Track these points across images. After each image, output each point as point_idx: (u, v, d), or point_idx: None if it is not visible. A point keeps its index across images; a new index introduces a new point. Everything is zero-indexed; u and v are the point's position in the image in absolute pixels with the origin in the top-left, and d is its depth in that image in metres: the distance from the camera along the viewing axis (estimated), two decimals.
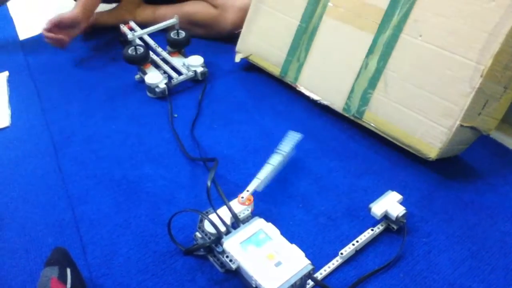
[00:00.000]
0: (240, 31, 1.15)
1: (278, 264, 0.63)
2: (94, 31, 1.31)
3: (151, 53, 1.15)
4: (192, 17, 1.27)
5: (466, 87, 0.78)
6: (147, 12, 1.31)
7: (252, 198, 0.74)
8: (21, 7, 1.52)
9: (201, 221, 0.72)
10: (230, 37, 1.17)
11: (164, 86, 1.07)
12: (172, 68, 1.14)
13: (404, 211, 0.75)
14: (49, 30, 1.16)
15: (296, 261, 0.64)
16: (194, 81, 1.14)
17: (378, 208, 0.75)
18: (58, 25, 1.16)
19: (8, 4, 1.53)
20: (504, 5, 0.74)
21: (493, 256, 0.74)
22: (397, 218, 0.74)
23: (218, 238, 0.68)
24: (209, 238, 0.70)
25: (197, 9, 1.27)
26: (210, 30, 1.27)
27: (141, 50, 1.09)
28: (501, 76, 0.78)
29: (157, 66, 1.15)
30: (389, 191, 0.78)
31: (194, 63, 1.13)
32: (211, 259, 0.73)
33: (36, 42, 1.28)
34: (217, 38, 1.28)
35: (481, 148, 0.93)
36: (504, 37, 0.74)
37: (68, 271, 0.64)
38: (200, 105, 1.06)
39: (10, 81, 1.17)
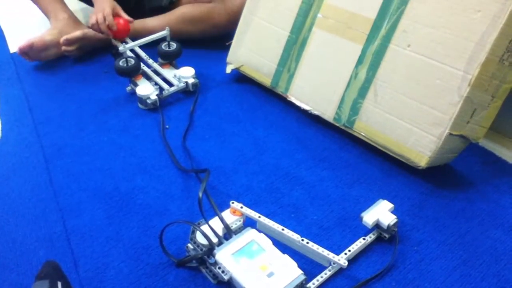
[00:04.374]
0: (231, 43, 1.16)
1: (270, 274, 0.63)
2: (84, 54, 1.30)
3: (142, 65, 1.15)
4: (187, 16, 1.27)
5: (455, 96, 0.79)
6: (136, 26, 1.30)
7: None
8: (12, 20, 1.52)
9: (193, 232, 0.72)
10: (227, 46, 1.18)
11: (156, 97, 1.07)
12: (163, 79, 1.15)
13: (396, 220, 0.75)
14: (22, 52, 1.21)
15: (288, 271, 0.64)
16: (186, 93, 1.15)
17: (369, 217, 0.75)
18: (31, 47, 1.20)
19: None
20: (490, 16, 0.75)
21: (484, 263, 0.74)
22: (388, 227, 0.75)
23: (210, 250, 0.68)
24: (201, 250, 0.70)
25: (190, 8, 1.28)
26: (208, 24, 1.27)
27: (132, 61, 1.10)
28: (488, 85, 0.79)
29: (148, 78, 1.15)
30: (380, 200, 0.79)
31: (186, 74, 1.13)
32: (203, 270, 0.73)
33: None
34: (213, 36, 1.29)
35: (471, 156, 0.94)
36: (491, 47, 0.75)
37: (59, 284, 0.64)
38: (191, 116, 1.06)
39: (0, 93, 1.16)
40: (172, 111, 1.09)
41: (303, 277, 0.64)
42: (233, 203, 0.74)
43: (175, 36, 1.18)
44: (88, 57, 1.28)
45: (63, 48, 1.22)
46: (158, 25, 1.25)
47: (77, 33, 1.21)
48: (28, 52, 1.21)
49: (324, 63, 0.98)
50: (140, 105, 1.10)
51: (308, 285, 0.69)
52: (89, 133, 1.02)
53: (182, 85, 1.12)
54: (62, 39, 1.20)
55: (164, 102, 1.11)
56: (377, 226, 0.76)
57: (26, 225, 0.81)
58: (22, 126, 1.05)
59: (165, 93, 1.10)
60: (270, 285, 0.62)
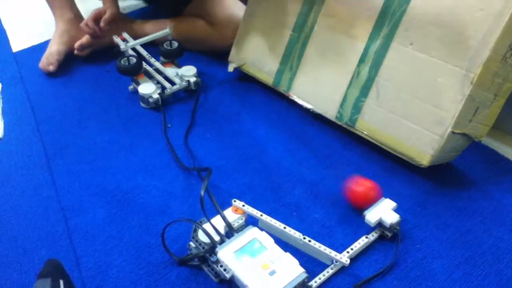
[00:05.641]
0: (233, 41, 1.16)
1: (272, 272, 0.63)
2: (92, 53, 1.29)
3: (144, 63, 1.15)
4: (189, 34, 1.26)
5: (457, 94, 0.79)
6: (139, 27, 1.30)
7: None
8: (14, 19, 1.52)
9: (195, 230, 0.72)
10: (226, 52, 1.18)
11: (158, 96, 1.07)
12: (165, 78, 1.14)
13: (398, 218, 0.75)
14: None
15: (290, 269, 0.64)
16: (188, 91, 1.15)
17: (372, 215, 0.75)
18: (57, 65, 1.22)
19: (1, 16, 1.54)
20: (492, 14, 0.75)
21: (486, 261, 0.74)
22: (390, 225, 0.74)
23: (212, 248, 0.68)
24: (203, 248, 0.70)
25: (194, 27, 1.26)
26: (207, 46, 1.26)
27: (134, 60, 1.10)
28: (490, 84, 0.79)
29: (150, 77, 1.15)
30: (383, 198, 0.79)
31: (187, 73, 1.13)
32: (205, 269, 0.73)
33: (29, 54, 1.28)
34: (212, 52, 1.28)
35: (473, 155, 0.94)
36: (493, 45, 0.75)
37: (61, 283, 0.64)
38: (193, 115, 1.06)
39: (3, 93, 1.17)
40: (174, 109, 1.09)
41: (305, 275, 0.64)
42: (235, 201, 0.74)
43: None
44: (90, 56, 1.28)
45: (76, 52, 1.23)
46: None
47: (89, 38, 1.22)
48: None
49: (326, 61, 0.98)
50: (142, 104, 1.10)
51: (310, 283, 0.69)
52: (91, 132, 1.02)
53: (184, 83, 1.12)
54: (76, 45, 1.21)
55: (166, 101, 1.11)
56: (380, 224, 0.76)
57: (28, 224, 0.81)
58: (24, 125, 1.05)
59: (167, 92, 1.10)
60: (272, 283, 0.62)
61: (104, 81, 1.19)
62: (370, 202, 0.78)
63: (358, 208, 0.79)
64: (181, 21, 1.28)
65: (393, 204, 0.77)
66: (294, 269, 0.64)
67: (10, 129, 1.05)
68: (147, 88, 1.08)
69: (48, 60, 1.21)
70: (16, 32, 1.45)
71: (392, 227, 0.75)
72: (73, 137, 1.01)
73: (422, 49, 0.84)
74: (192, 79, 1.13)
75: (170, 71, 1.16)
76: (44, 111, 1.09)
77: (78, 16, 1.29)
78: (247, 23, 1.12)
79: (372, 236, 0.76)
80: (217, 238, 0.69)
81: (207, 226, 0.71)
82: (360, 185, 0.80)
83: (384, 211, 0.76)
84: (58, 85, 1.19)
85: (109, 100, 1.13)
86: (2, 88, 1.19)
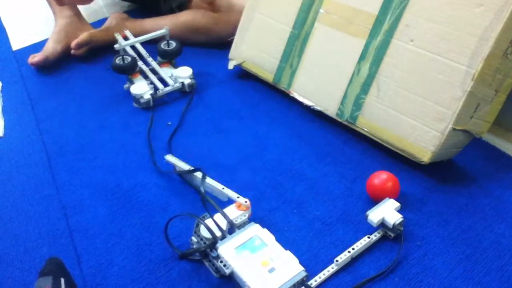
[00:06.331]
0: (233, 39, 1.16)
1: (271, 270, 0.63)
2: (91, 51, 1.28)
3: (140, 63, 1.14)
4: (192, 25, 1.25)
5: (458, 91, 0.79)
6: (139, 25, 1.29)
7: (249, 204, 0.75)
8: (14, 18, 1.52)
9: (197, 225, 0.72)
10: (229, 43, 1.17)
11: (149, 97, 1.06)
12: (160, 79, 1.13)
13: (401, 219, 0.74)
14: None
15: (289, 267, 0.64)
16: (185, 92, 1.14)
17: (374, 215, 0.74)
18: (45, 61, 1.21)
19: (1, 14, 1.54)
20: (493, 9, 0.75)
21: (487, 258, 0.74)
22: (393, 226, 0.74)
23: (213, 243, 0.68)
24: (204, 243, 0.70)
25: (196, 16, 1.26)
26: (212, 35, 1.26)
27: (128, 59, 1.09)
28: (492, 80, 0.79)
29: (146, 76, 1.14)
30: (387, 198, 0.78)
31: (182, 74, 1.11)
32: (206, 264, 0.73)
33: (29, 52, 1.27)
34: (216, 44, 1.27)
35: (474, 151, 0.94)
36: (494, 41, 0.75)
37: (62, 281, 0.64)
38: (182, 117, 1.05)
39: (3, 91, 1.17)
40: (166, 110, 1.08)
41: (304, 273, 0.64)
42: (238, 197, 0.75)
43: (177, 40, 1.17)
44: (90, 54, 1.27)
45: (73, 52, 1.23)
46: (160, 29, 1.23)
47: (84, 36, 1.21)
48: (42, 65, 1.22)
49: (326, 58, 0.98)
50: (134, 104, 1.09)
51: (309, 282, 0.69)
52: (91, 130, 1.02)
53: (177, 85, 1.10)
54: (73, 44, 1.21)
55: (161, 101, 1.10)
56: (382, 224, 0.76)
57: (29, 222, 0.81)
58: (25, 123, 1.05)
59: (159, 93, 1.09)
60: (270, 281, 0.62)
61: (105, 79, 1.19)
62: (388, 193, 0.80)
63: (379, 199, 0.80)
64: (184, 13, 1.28)
65: (396, 204, 0.76)
66: (294, 267, 0.64)
67: (11, 127, 1.05)
68: (139, 88, 1.06)
69: (38, 54, 1.22)
70: (16, 31, 1.45)
71: (395, 228, 0.74)
72: (74, 135, 1.01)
73: (422, 45, 0.83)
74: (187, 81, 1.11)
75: (165, 71, 1.14)
76: (44, 110, 1.09)
77: (77, 14, 1.28)
78: (247, 21, 1.12)
79: (375, 236, 0.76)
80: (218, 233, 0.69)
81: (209, 222, 0.71)
82: (377, 178, 0.82)
83: (387, 212, 0.75)
84: (58, 84, 1.19)
85: (109, 98, 1.12)
86: (2, 86, 1.19)
